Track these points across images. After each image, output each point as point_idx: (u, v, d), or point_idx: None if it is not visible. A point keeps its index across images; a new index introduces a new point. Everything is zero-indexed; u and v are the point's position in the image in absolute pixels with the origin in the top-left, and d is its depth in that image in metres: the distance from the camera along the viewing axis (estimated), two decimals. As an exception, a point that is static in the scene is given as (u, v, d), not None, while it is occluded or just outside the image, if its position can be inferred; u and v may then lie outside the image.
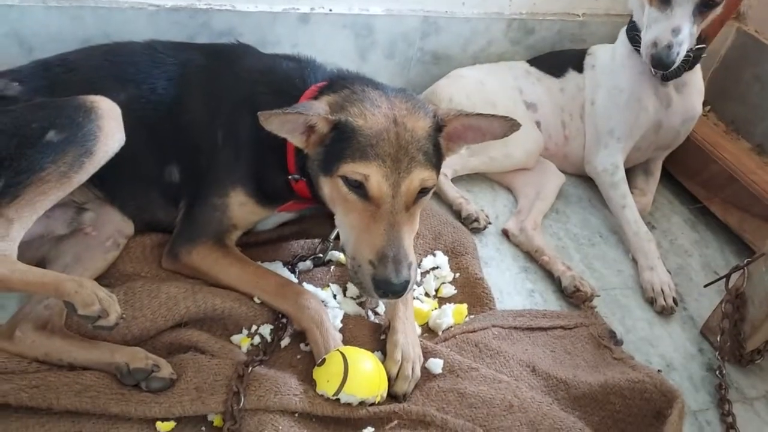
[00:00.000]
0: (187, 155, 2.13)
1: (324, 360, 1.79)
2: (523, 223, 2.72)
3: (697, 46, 2.68)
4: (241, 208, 2.08)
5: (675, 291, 2.56)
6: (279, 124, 1.73)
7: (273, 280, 2.03)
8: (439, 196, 2.80)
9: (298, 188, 2.03)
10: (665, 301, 2.51)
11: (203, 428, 1.71)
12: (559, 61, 3.13)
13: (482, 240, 2.67)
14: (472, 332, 2.13)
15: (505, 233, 2.73)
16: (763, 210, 2.78)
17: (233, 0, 2.75)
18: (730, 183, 2.92)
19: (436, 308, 2.24)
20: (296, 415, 1.73)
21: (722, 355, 2.31)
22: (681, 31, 2.49)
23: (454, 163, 2.86)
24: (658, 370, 2.13)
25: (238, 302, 1.98)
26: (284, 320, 1.98)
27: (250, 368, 1.77)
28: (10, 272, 1.63)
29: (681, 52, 2.51)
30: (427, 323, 2.19)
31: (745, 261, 2.28)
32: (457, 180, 2.90)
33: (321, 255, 2.27)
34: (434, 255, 2.43)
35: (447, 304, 2.26)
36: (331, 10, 2.90)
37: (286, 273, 2.15)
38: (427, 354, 1.97)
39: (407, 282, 1.72)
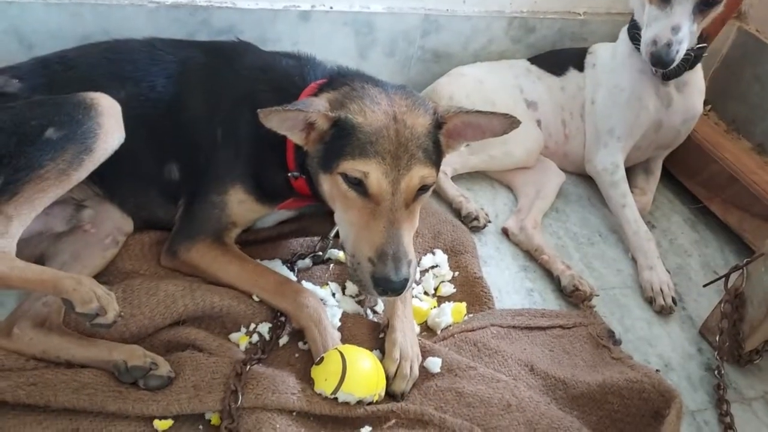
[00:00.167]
0: (186, 153, 2.13)
1: (322, 358, 1.79)
2: (523, 221, 2.71)
3: (698, 46, 2.68)
4: (241, 206, 2.08)
5: (674, 290, 2.56)
6: (279, 121, 1.73)
7: (272, 278, 2.03)
8: (439, 195, 2.80)
9: (297, 185, 2.04)
10: (664, 300, 2.51)
11: (201, 426, 1.71)
12: (560, 59, 3.12)
13: (482, 239, 2.67)
14: (470, 331, 2.13)
15: (505, 232, 2.73)
16: (763, 210, 2.78)
17: (234, -3, 2.75)
18: (731, 183, 2.92)
19: (435, 307, 2.24)
20: (294, 413, 1.73)
21: (721, 355, 2.31)
22: (680, 29, 2.49)
23: (454, 161, 2.86)
24: (656, 370, 2.13)
25: (237, 300, 1.98)
26: (283, 318, 1.98)
27: (248, 366, 1.77)
28: (9, 269, 1.63)
29: (681, 50, 2.51)
30: (425, 322, 2.19)
31: (744, 261, 2.28)
32: (457, 178, 2.90)
33: (320, 253, 2.27)
34: (433, 253, 2.43)
35: (446, 302, 2.26)
36: (331, 8, 2.90)
37: (285, 271, 2.15)
38: (425, 353, 1.97)
39: (406, 280, 1.72)
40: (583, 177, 3.11)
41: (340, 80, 1.94)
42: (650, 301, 2.54)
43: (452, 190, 2.79)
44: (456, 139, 1.91)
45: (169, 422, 1.68)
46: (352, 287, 2.19)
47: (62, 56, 2.17)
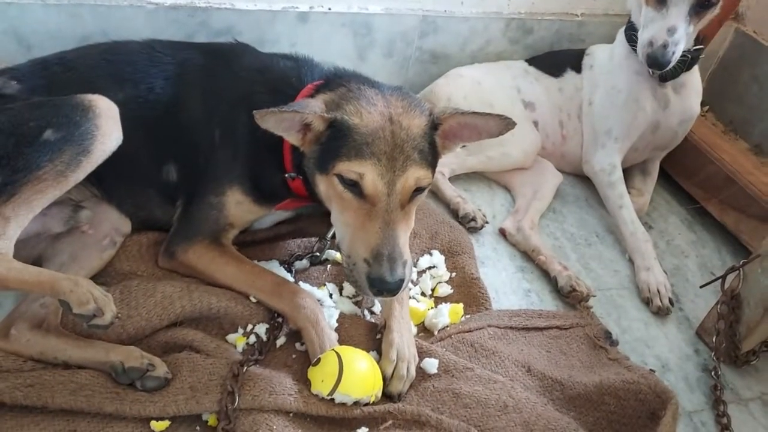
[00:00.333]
0: (184, 154, 2.13)
1: (319, 359, 1.80)
2: (521, 222, 2.72)
3: (695, 47, 2.69)
4: (238, 207, 2.09)
5: (671, 291, 2.56)
6: (275, 122, 1.73)
7: (269, 279, 2.04)
8: (437, 195, 2.80)
9: (294, 186, 2.04)
10: (661, 301, 2.51)
11: (198, 427, 1.71)
12: (558, 60, 3.13)
13: (479, 239, 2.68)
14: (467, 332, 2.13)
15: (502, 233, 2.73)
16: (759, 210, 2.78)
17: (232, -2, 2.76)
18: (728, 184, 2.92)
19: (432, 308, 2.24)
20: (291, 414, 1.73)
21: (717, 356, 2.31)
22: (677, 30, 2.50)
23: (451, 162, 2.86)
24: (651, 370, 2.13)
25: (234, 301, 1.98)
26: (280, 319, 1.98)
27: (245, 368, 1.77)
28: (6, 271, 1.64)
29: (677, 51, 2.52)
30: (423, 323, 2.20)
31: (741, 262, 2.28)
32: (454, 179, 2.91)
33: (318, 254, 2.28)
34: (431, 254, 2.43)
35: (443, 303, 2.26)
36: (330, 9, 2.90)
37: (282, 272, 2.16)
38: (422, 354, 1.97)
39: (402, 280, 1.72)
40: (580, 178, 3.11)
41: (336, 81, 1.95)
42: (647, 301, 2.55)
43: (450, 190, 2.79)
44: (452, 140, 1.91)
45: (166, 423, 1.68)
46: (349, 288, 2.19)
47: (61, 57, 2.17)
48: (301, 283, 2.14)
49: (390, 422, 1.78)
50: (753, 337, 2.29)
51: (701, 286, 2.53)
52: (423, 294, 2.30)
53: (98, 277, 2.04)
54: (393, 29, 3.06)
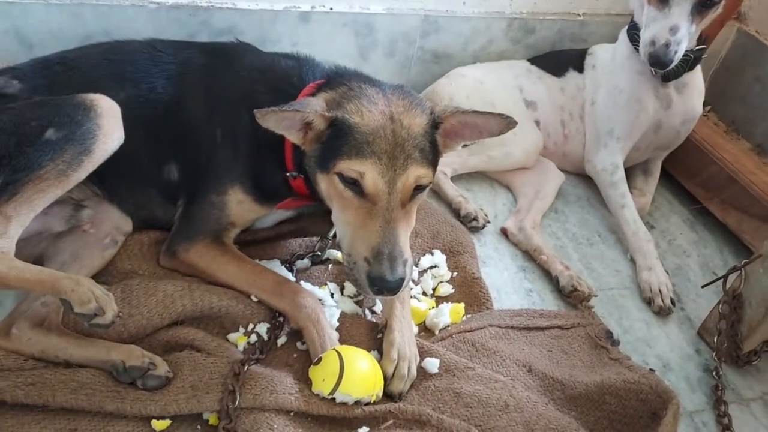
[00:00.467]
0: (185, 153, 2.13)
1: (320, 359, 1.80)
2: (522, 222, 2.72)
3: (697, 47, 2.69)
4: (239, 206, 2.09)
5: (673, 291, 2.56)
6: (275, 121, 1.74)
7: (270, 278, 2.04)
8: (438, 195, 2.80)
9: (296, 185, 2.04)
10: (663, 301, 2.51)
11: (198, 426, 1.71)
12: (560, 60, 3.13)
13: (481, 239, 2.68)
14: (468, 332, 2.13)
15: (504, 232, 2.73)
16: (761, 210, 2.78)
17: (234, -2, 2.76)
18: (730, 184, 2.92)
19: (433, 307, 2.24)
20: (291, 414, 1.73)
21: (719, 356, 2.31)
22: (679, 29, 2.49)
23: (453, 161, 2.86)
24: (651, 370, 2.13)
25: (235, 300, 1.98)
26: (281, 319, 1.98)
27: (246, 367, 1.77)
28: (8, 269, 1.64)
29: (679, 51, 2.52)
30: (424, 322, 2.19)
31: (743, 262, 2.28)
32: (456, 179, 2.90)
33: (319, 253, 2.28)
34: (432, 254, 2.43)
35: (444, 303, 2.26)
36: (331, 9, 2.91)
37: (283, 271, 2.15)
38: (423, 353, 1.97)
39: (402, 279, 1.72)
40: (582, 177, 3.11)
41: (337, 80, 1.95)
42: (649, 301, 2.54)
43: (451, 190, 2.79)
44: (453, 139, 1.91)
45: (167, 422, 1.68)
46: (350, 287, 2.19)
47: (63, 57, 2.17)
48: (302, 282, 2.14)
49: (391, 422, 1.78)
50: (754, 337, 2.28)
51: (703, 286, 2.53)
52: (424, 293, 2.30)
53: (99, 276, 2.04)
54: (395, 29, 3.06)
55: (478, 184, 2.98)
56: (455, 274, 2.38)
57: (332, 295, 2.16)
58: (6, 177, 1.72)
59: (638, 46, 2.67)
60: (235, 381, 1.71)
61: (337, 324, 2.02)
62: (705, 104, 3.02)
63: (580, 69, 3.04)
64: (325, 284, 2.20)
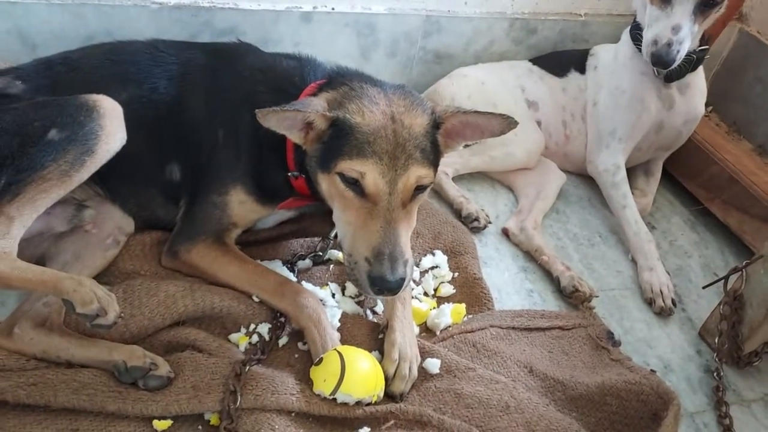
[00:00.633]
0: (187, 154, 2.13)
1: (321, 359, 1.80)
2: (524, 222, 2.72)
3: (699, 48, 2.69)
4: (241, 207, 2.09)
5: (674, 292, 2.56)
6: (277, 121, 1.74)
7: (272, 278, 2.04)
8: (440, 195, 2.81)
9: (297, 185, 2.05)
10: (664, 302, 2.51)
11: (200, 427, 1.72)
12: (562, 61, 3.13)
13: (482, 240, 2.68)
14: (470, 332, 2.13)
15: (505, 233, 2.73)
16: (762, 211, 2.78)
17: (236, -2, 2.76)
18: (731, 184, 2.92)
19: (434, 308, 2.24)
20: (293, 414, 1.74)
21: (720, 356, 2.31)
22: (681, 29, 2.50)
23: (455, 162, 2.87)
24: (652, 370, 2.13)
25: (237, 301, 1.98)
26: (282, 319, 1.99)
27: (248, 367, 1.77)
28: (10, 270, 1.64)
29: (681, 50, 2.52)
30: (425, 323, 2.20)
31: (744, 263, 2.28)
32: (458, 179, 2.91)
33: (321, 253, 2.28)
34: (433, 254, 2.43)
35: (445, 303, 2.26)
36: (333, 9, 2.91)
37: (285, 272, 2.16)
38: (424, 354, 1.98)
39: (403, 279, 1.73)
40: (583, 178, 3.11)
41: (339, 80, 1.95)
42: (650, 302, 2.55)
43: (453, 190, 2.79)
44: (454, 139, 1.92)
45: (169, 422, 1.68)
46: (351, 288, 2.19)
47: (65, 57, 2.18)
48: (303, 282, 2.14)
49: (392, 422, 1.78)
50: (755, 338, 2.29)
51: (704, 287, 2.53)
52: (425, 294, 2.30)
53: (101, 277, 2.04)
54: (396, 29, 3.06)
55: (480, 184, 2.98)
56: (456, 274, 2.38)
57: (333, 295, 2.16)
58: (9, 177, 1.72)
59: (641, 46, 2.67)
60: (236, 381, 1.71)
61: (339, 324, 2.03)
62: (706, 105, 3.02)
63: (581, 69, 3.04)
64: (327, 284, 2.20)
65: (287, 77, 2.09)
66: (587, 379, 2.04)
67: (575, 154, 3.07)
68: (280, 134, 1.80)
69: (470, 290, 2.33)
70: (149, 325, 1.88)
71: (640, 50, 2.71)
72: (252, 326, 1.97)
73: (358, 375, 1.76)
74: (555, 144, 3.07)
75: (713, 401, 2.22)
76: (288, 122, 1.77)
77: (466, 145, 2.05)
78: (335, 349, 1.81)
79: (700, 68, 2.83)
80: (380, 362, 1.89)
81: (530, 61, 3.20)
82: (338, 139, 1.77)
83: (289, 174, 2.01)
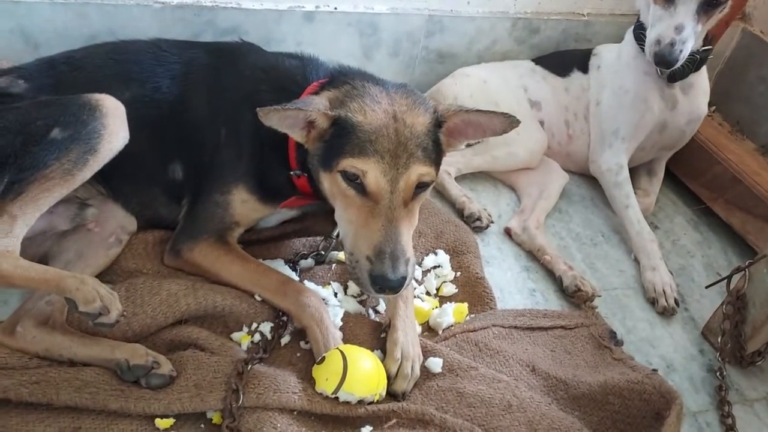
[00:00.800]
0: (190, 153, 2.14)
1: (323, 358, 1.80)
2: (526, 222, 2.72)
3: (703, 48, 2.69)
4: (243, 206, 2.09)
5: (677, 292, 2.56)
6: (278, 120, 1.74)
7: (274, 277, 2.04)
8: (442, 195, 2.81)
9: (299, 184, 2.05)
10: (667, 301, 2.51)
11: (202, 425, 1.72)
12: (565, 60, 3.13)
13: (484, 239, 2.68)
14: (472, 331, 2.13)
15: (508, 232, 2.73)
16: (766, 211, 2.77)
17: (238, -2, 2.77)
18: (734, 184, 2.92)
19: (436, 307, 2.24)
20: (295, 413, 1.74)
21: (723, 356, 2.31)
22: (684, 29, 2.49)
23: (457, 161, 2.87)
24: (654, 370, 2.13)
25: (239, 299, 1.98)
26: (285, 318, 1.99)
27: (250, 366, 1.77)
28: (13, 268, 1.64)
29: (684, 50, 2.51)
30: (427, 322, 2.20)
31: (747, 262, 2.28)
32: (460, 179, 2.90)
33: (323, 252, 2.28)
34: (436, 254, 2.43)
35: (448, 303, 2.26)
36: (336, 9, 2.90)
37: (287, 271, 2.16)
38: (426, 353, 1.98)
39: (404, 278, 1.73)
40: (586, 178, 3.11)
41: (341, 79, 1.95)
42: (653, 302, 2.54)
43: (455, 190, 2.79)
44: (456, 137, 1.91)
45: (171, 421, 1.69)
46: (354, 287, 2.19)
47: (68, 57, 2.18)
48: (306, 281, 2.14)
49: (394, 421, 1.78)
50: (758, 337, 2.28)
51: (707, 287, 2.53)
52: (428, 293, 2.30)
53: (104, 275, 2.05)
54: (399, 29, 3.06)
55: (482, 184, 2.98)
56: (459, 273, 2.38)
57: (336, 294, 2.16)
58: (12, 176, 1.72)
59: (644, 46, 2.67)
60: (238, 380, 1.72)
61: (341, 323, 2.03)
62: (709, 104, 3.01)
63: (584, 69, 3.04)
64: (329, 284, 2.20)
65: (289, 76, 2.09)
66: (590, 379, 2.04)
67: (578, 154, 3.07)
68: (282, 133, 1.81)
69: (472, 289, 2.33)
70: (151, 323, 1.88)
71: (643, 50, 2.70)
72: (254, 325, 1.97)
73: (361, 374, 1.76)
74: (558, 144, 3.06)
75: (716, 401, 2.22)
76: (289, 121, 1.77)
77: (469, 145, 2.05)
78: (337, 348, 1.81)
79: (704, 68, 2.82)
80: (382, 361, 1.89)
81: (533, 60, 3.19)
82: (340, 138, 1.77)
83: (292, 173, 2.01)
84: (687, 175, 3.18)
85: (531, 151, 2.93)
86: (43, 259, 1.97)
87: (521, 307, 2.38)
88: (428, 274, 2.35)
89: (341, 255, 2.26)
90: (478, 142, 2.84)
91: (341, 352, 1.78)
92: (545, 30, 3.30)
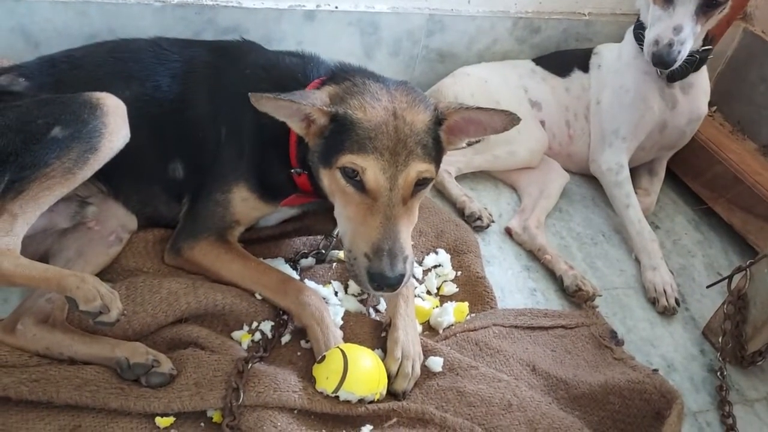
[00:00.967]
0: (190, 151, 2.13)
1: (324, 357, 1.80)
2: (527, 221, 2.72)
3: (703, 48, 2.69)
4: (244, 204, 2.09)
5: (677, 291, 2.56)
6: (272, 108, 1.75)
7: (274, 276, 2.04)
8: (443, 194, 2.81)
9: (300, 182, 2.04)
10: (667, 301, 2.51)
11: (202, 424, 1.71)
12: (565, 60, 3.13)
13: (485, 238, 2.67)
14: (472, 331, 2.13)
15: (508, 232, 2.73)
16: (766, 211, 2.78)
17: (239, -3, 2.77)
18: (735, 184, 2.92)
19: (437, 306, 2.24)
20: (295, 411, 1.74)
21: (723, 356, 2.31)
22: (683, 29, 2.49)
23: (458, 161, 2.87)
24: (655, 369, 2.12)
25: (240, 298, 1.98)
26: (285, 317, 1.98)
27: (250, 364, 1.77)
28: (14, 267, 1.64)
29: (683, 50, 2.52)
30: (428, 321, 2.20)
31: (748, 262, 2.28)
32: (461, 178, 2.90)
33: (323, 251, 2.28)
34: (436, 253, 2.43)
35: (448, 302, 2.26)
36: (336, 8, 2.91)
37: (288, 269, 2.16)
38: (427, 352, 1.98)
39: (402, 276, 1.72)
40: (586, 177, 3.11)
41: (341, 76, 1.95)
42: (653, 301, 2.54)
43: (456, 189, 2.79)
44: (457, 135, 1.91)
45: (171, 419, 1.69)
46: (354, 286, 2.19)
47: (69, 55, 2.18)
48: (306, 280, 2.14)
49: (394, 420, 1.78)
50: (759, 337, 2.28)
51: (708, 286, 2.53)
52: (428, 292, 2.30)
53: (104, 274, 2.04)
54: (400, 28, 3.06)
55: (483, 183, 2.98)
56: (459, 273, 2.38)
57: (336, 293, 2.16)
58: (12, 174, 1.72)
59: (644, 45, 2.67)
60: (238, 379, 1.71)
61: (341, 322, 2.02)
62: (710, 104, 3.02)
63: (585, 69, 3.04)
64: (329, 282, 2.20)
65: (290, 74, 2.09)
66: (590, 378, 2.04)
67: (579, 154, 3.07)
68: (282, 131, 1.80)
69: (473, 289, 2.33)
70: (152, 322, 1.88)
71: (643, 50, 2.70)
72: (255, 324, 1.97)
73: (361, 373, 1.76)
74: (559, 144, 3.06)
75: (716, 400, 2.22)
76: (284, 111, 1.77)
77: (469, 143, 2.05)
78: (338, 347, 1.81)
79: (704, 68, 2.82)
80: (383, 360, 1.88)
81: (533, 60, 3.19)
82: (339, 135, 1.77)
83: (292, 171, 2.01)
84: (688, 174, 3.18)
85: (531, 151, 2.93)
86: (44, 258, 1.97)
87: (522, 306, 2.38)
88: (429, 273, 2.35)
89: (342, 254, 2.26)
90: (479, 141, 2.84)
91: (342, 351, 1.78)
92: (546, 29, 3.30)
